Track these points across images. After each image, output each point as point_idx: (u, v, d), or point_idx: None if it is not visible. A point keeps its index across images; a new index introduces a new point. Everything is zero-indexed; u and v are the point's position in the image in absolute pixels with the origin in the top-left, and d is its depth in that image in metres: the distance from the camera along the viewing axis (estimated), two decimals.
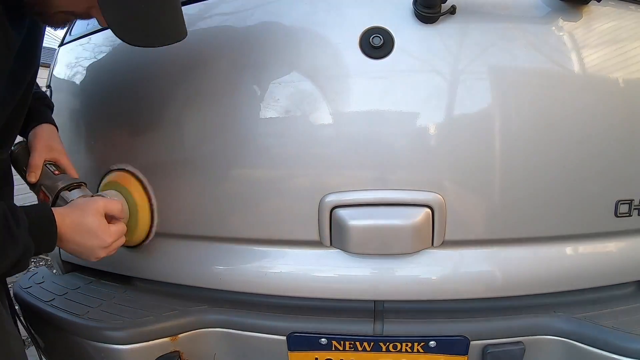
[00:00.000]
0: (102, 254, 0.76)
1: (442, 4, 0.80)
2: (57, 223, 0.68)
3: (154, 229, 0.96)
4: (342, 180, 0.86)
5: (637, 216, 0.88)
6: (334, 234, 0.87)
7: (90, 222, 0.73)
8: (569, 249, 0.90)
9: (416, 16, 0.82)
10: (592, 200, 0.86)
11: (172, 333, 0.88)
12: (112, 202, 0.79)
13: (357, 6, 0.85)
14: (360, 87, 0.84)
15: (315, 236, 0.88)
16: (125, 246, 0.95)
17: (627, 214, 0.87)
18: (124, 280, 1.08)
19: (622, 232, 0.90)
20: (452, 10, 0.81)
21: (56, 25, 0.75)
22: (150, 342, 0.86)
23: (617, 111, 0.85)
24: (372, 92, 0.83)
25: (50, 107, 0.99)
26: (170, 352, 0.88)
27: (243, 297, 0.94)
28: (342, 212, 0.85)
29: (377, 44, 0.82)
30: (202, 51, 0.92)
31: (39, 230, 0.66)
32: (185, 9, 0.92)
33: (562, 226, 0.87)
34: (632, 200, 0.87)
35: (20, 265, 0.65)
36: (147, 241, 0.97)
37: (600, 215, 0.87)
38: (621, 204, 0.87)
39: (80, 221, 0.72)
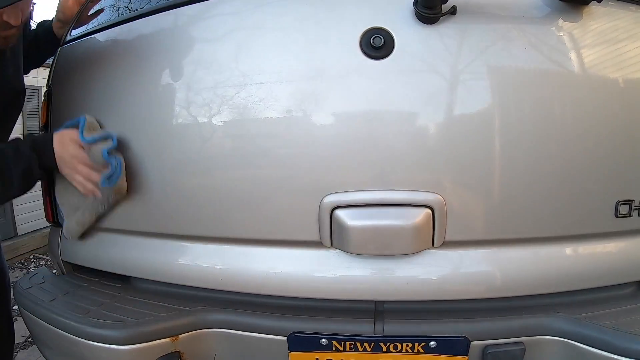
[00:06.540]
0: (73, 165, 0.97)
1: (442, 5, 0.80)
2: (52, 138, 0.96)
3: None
4: (343, 180, 0.86)
5: (637, 216, 0.88)
6: (334, 235, 0.87)
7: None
8: (569, 249, 0.89)
9: (417, 17, 0.82)
10: (592, 201, 0.86)
11: (173, 333, 0.88)
12: None
13: (358, 6, 0.85)
14: (360, 87, 0.84)
15: (315, 237, 0.88)
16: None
17: (628, 215, 0.87)
18: (124, 280, 1.08)
19: (622, 233, 0.90)
20: (453, 11, 0.81)
21: None
22: (151, 343, 0.86)
23: (617, 111, 0.85)
24: (373, 93, 0.83)
25: None
26: (171, 353, 0.88)
27: (243, 297, 0.94)
28: (343, 213, 0.85)
29: (377, 44, 0.82)
30: (201, 51, 0.92)
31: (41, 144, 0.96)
32: (186, 9, 0.93)
33: (562, 226, 0.87)
34: (632, 201, 0.87)
35: (30, 175, 0.95)
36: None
37: (601, 215, 0.87)
38: (621, 204, 0.87)
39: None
